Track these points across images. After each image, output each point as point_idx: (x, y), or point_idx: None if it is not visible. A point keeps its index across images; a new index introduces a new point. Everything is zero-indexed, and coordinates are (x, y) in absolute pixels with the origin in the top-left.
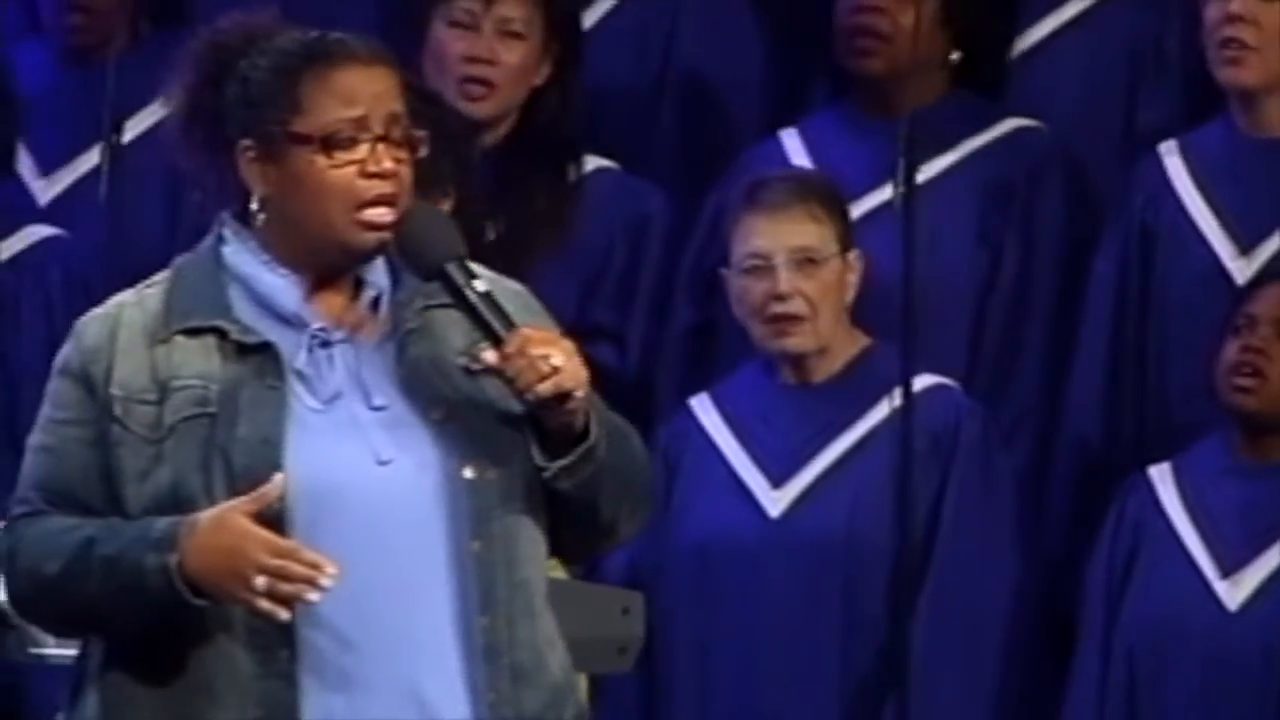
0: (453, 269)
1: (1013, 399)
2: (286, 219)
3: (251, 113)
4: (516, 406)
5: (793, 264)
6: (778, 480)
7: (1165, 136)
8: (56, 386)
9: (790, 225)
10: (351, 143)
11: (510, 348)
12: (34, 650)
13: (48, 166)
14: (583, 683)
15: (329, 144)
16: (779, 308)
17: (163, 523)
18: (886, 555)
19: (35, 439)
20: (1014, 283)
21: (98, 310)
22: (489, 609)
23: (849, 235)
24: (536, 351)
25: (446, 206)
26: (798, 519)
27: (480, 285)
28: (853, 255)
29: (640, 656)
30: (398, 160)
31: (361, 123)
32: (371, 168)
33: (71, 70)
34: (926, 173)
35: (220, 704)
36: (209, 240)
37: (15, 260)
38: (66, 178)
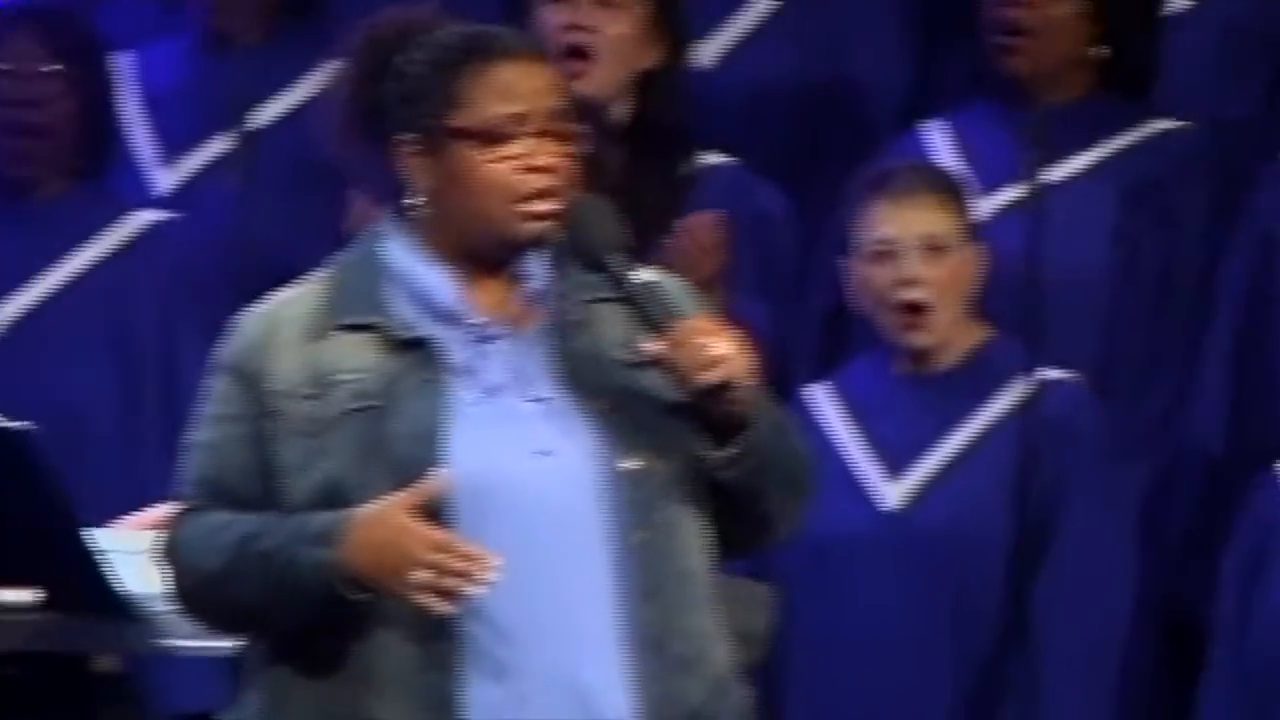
0: (615, 260)
1: (1151, 398)
2: (446, 213)
3: (411, 108)
4: (678, 397)
5: (920, 250)
6: (895, 472)
7: None
8: (215, 383)
9: (918, 213)
10: (510, 138)
11: (674, 337)
12: (164, 642)
13: (171, 154)
14: None
15: (488, 139)
16: (905, 294)
17: (323, 517)
18: (1004, 550)
19: (195, 435)
20: (1153, 283)
21: (257, 306)
22: (650, 600)
23: (972, 227)
24: (700, 341)
25: None
26: (915, 512)
27: (643, 276)
28: (977, 248)
29: None
30: (558, 155)
31: (520, 118)
32: (532, 162)
33: (202, 60)
34: (1065, 170)
35: (381, 696)
36: (368, 237)
37: (126, 247)
38: (190, 165)
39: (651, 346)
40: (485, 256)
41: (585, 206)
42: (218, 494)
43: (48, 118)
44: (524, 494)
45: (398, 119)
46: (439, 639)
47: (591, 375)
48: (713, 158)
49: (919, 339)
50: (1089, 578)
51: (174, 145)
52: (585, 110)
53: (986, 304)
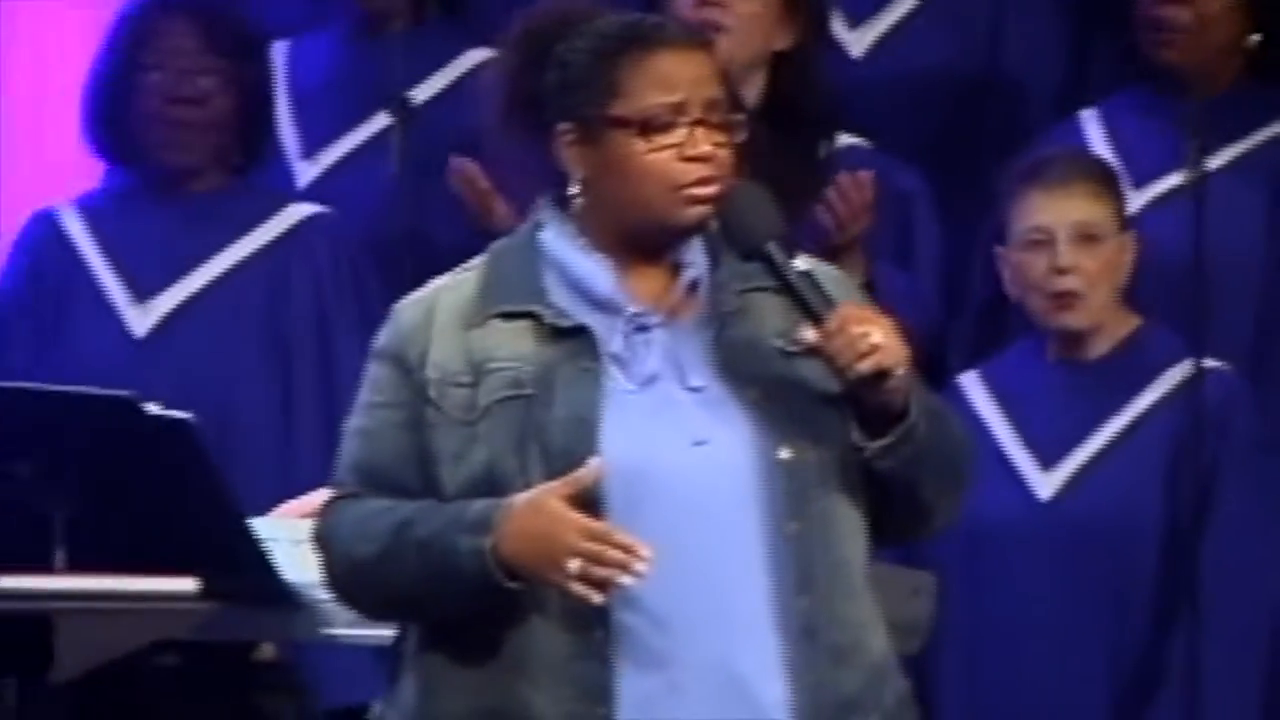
0: (773, 248)
1: None
2: (605, 202)
3: (570, 97)
4: (834, 387)
5: (1074, 239)
6: (1048, 462)
7: None
8: (373, 370)
9: (1072, 201)
10: (669, 127)
11: (830, 326)
12: (324, 630)
13: (312, 147)
14: None
15: (647, 128)
16: (1058, 282)
17: (478, 505)
18: (1158, 539)
19: (352, 422)
20: None
21: (414, 294)
22: (807, 589)
23: (1125, 216)
24: (857, 330)
25: None
26: (1069, 502)
27: (800, 264)
28: (1128, 236)
29: None
30: (717, 144)
31: (680, 107)
32: (690, 151)
33: (350, 48)
34: (1219, 160)
35: (535, 685)
36: (527, 225)
37: (282, 239)
38: (332, 157)
39: (808, 335)
40: (643, 244)
41: (742, 194)
42: (373, 481)
43: (207, 113)
44: (680, 483)
45: (557, 108)
46: (594, 628)
47: (747, 365)
48: (849, 139)
49: (1070, 319)
50: (1243, 567)
51: (322, 135)
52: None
53: (1141, 293)
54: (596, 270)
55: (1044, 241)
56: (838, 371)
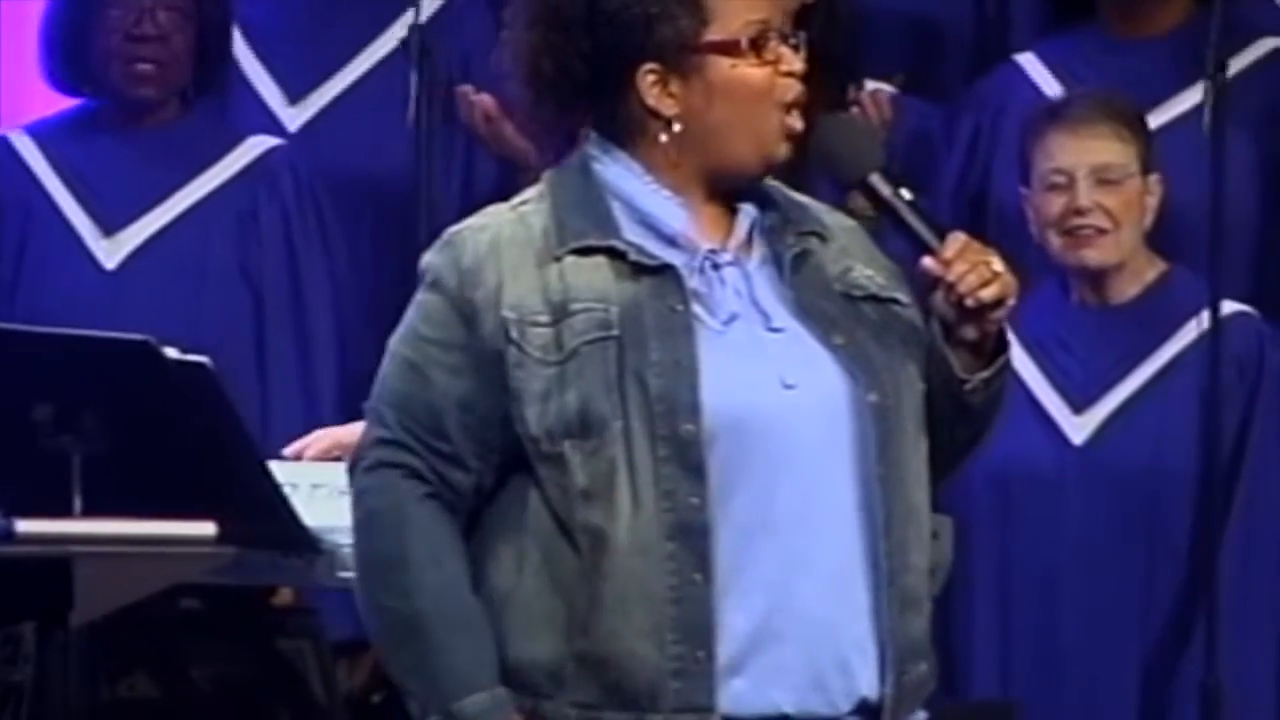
0: (878, 180)
1: None
2: (707, 133)
3: (652, 35)
4: (902, 330)
5: (1093, 180)
6: (1080, 406)
7: None
8: (427, 299)
9: (1093, 142)
10: (767, 43)
11: (950, 252)
12: (342, 575)
13: (295, 93)
14: None
15: (751, 46)
16: (1079, 222)
17: (480, 698)
18: (1191, 484)
19: (399, 346)
20: None
21: (471, 221)
22: (887, 534)
23: (1151, 157)
24: (977, 257)
25: None
26: (1101, 446)
27: (906, 194)
28: (1153, 178)
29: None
30: (800, 62)
31: (767, 24)
32: (784, 68)
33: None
34: (1188, 101)
35: (635, 628)
36: (575, 159)
37: (246, 171)
38: (319, 102)
39: (928, 262)
40: (727, 179)
41: (840, 125)
42: (412, 419)
43: (168, 50)
44: (771, 426)
45: (634, 49)
46: (693, 571)
47: (821, 308)
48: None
49: (1090, 257)
50: (1274, 510)
51: (306, 79)
52: None
53: (1162, 238)
54: (668, 206)
55: (1064, 184)
56: (957, 299)
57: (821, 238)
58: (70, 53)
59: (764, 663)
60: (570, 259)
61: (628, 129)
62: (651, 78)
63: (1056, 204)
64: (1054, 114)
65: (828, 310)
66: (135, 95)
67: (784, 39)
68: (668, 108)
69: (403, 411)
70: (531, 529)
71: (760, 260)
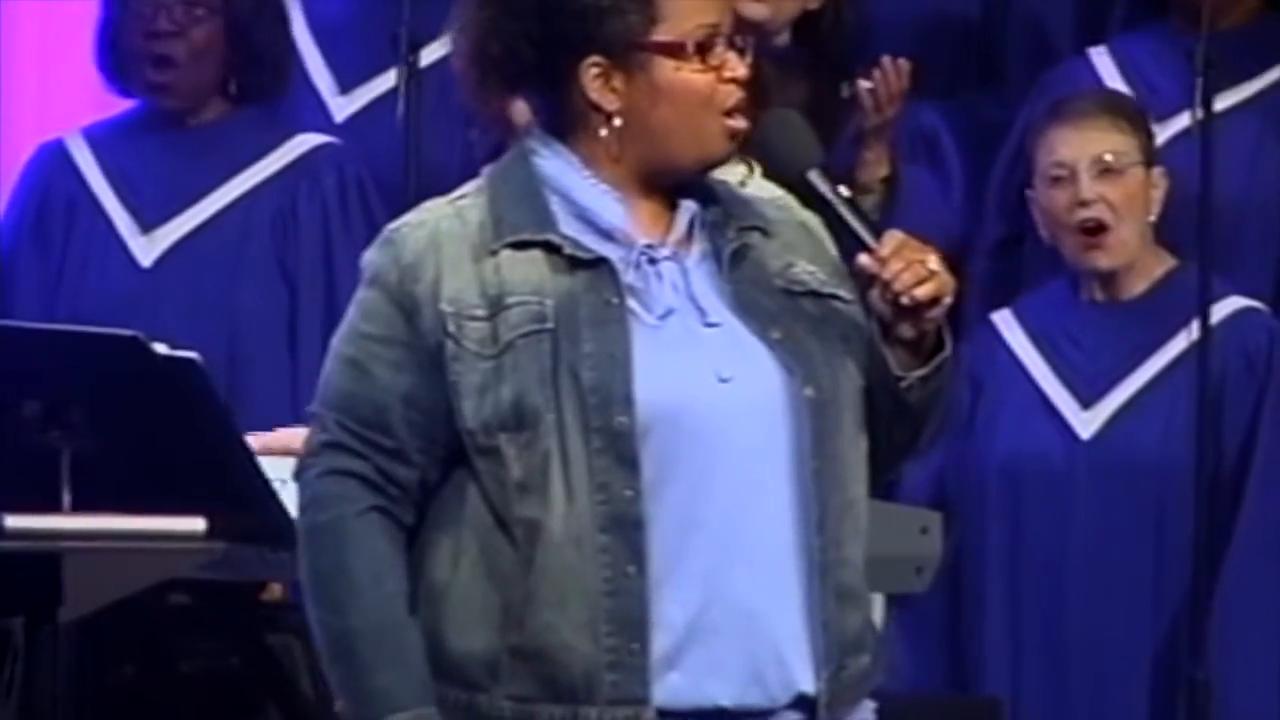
0: (816, 175)
1: None
2: (647, 131)
3: (600, 28)
4: (842, 326)
5: (1095, 171)
6: (1088, 401)
7: None
8: (368, 297)
9: (1094, 134)
10: (713, 48)
11: (886, 250)
12: None
13: (346, 84)
14: (879, 602)
15: (697, 50)
16: (1083, 214)
17: (401, 718)
18: (1198, 478)
19: (341, 345)
20: None
21: (410, 218)
22: (824, 529)
23: (1153, 151)
24: (914, 255)
25: None
26: (1109, 441)
27: (844, 190)
28: (1157, 172)
29: (948, 576)
30: (743, 67)
31: (716, 29)
32: (727, 74)
33: None
34: (1242, 94)
35: (570, 620)
36: (514, 153)
37: (289, 169)
38: (364, 96)
39: (863, 259)
40: (666, 176)
41: (783, 121)
42: (354, 418)
43: (186, 45)
44: (709, 420)
45: (583, 42)
46: (628, 563)
47: (761, 303)
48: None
49: (1100, 259)
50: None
51: (348, 76)
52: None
53: (1165, 232)
54: (606, 201)
55: (1066, 177)
56: (891, 297)
57: (765, 233)
58: (111, 53)
59: (700, 656)
60: (506, 253)
61: (569, 122)
62: (595, 71)
63: (1060, 198)
64: (1055, 111)
65: (766, 305)
66: (158, 91)
67: (732, 44)
68: (609, 103)
69: (345, 412)
70: (470, 523)
71: (700, 256)
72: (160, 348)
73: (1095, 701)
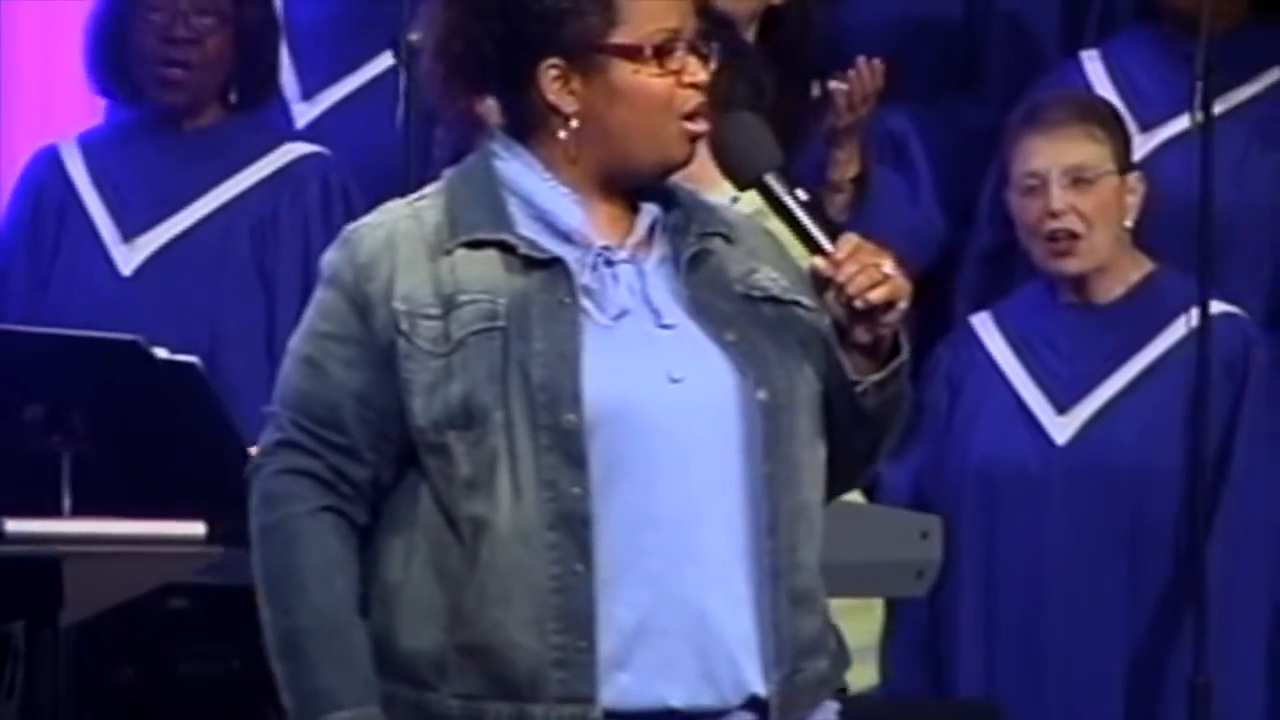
0: (773, 178)
1: None
2: (601, 134)
3: (560, 30)
4: (802, 332)
5: (1066, 181)
6: (1064, 406)
7: None
8: (325, 296)
9: (1065, 144)
10: (671, 53)
11: (841, 253)
12: None
13: (309, 90)
14: (879, 606)
15: (652, 55)
16: (1053, 224)
17: (340, 716)
18: (1176, 484)
19: (297, 344)
20: None
21: (369, 219)
22: (775, 532)
23: (1127, 157)
24: (869, 258)
25: None
26: (1085, 446)
27: (801, 194)
28: (1133, 177)
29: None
30: (704, 73)
31: (677, 33)
32: (687, 78)
33: None
34: (1230, 100)
35: (518, 618)
36: (477, 155)
37: (272, 178)
38: (332, 98)
39: (817, 262)
40: (623, 181)
41: (741, 124)
42: (310, 416)
43: (203, 53)
44: (655, 419)
45: (541, 43)
46: (576, 562)
47: (717, 306)
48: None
49: (1070, 265)
50: (1263, 511)
51: (321, 77)
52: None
53: (1151, 238)
54: (564, 203)
55: (1038, 186)
56: (845, 300)
57: (728, 239)
58: (111, 56)
59: (650, 657)
60: (461, 252)
61: (530, 123)
62: (554, 72)
63: (1032, 208)
64: (1029, 118)
65: (722, 308)
66: (170, 99)
67: (694, 49)
68: (567, 104)
69: (300, 410)
70: (422, 523)
71: (659, 259)
72: (161, 352)
73: (1071, 706)
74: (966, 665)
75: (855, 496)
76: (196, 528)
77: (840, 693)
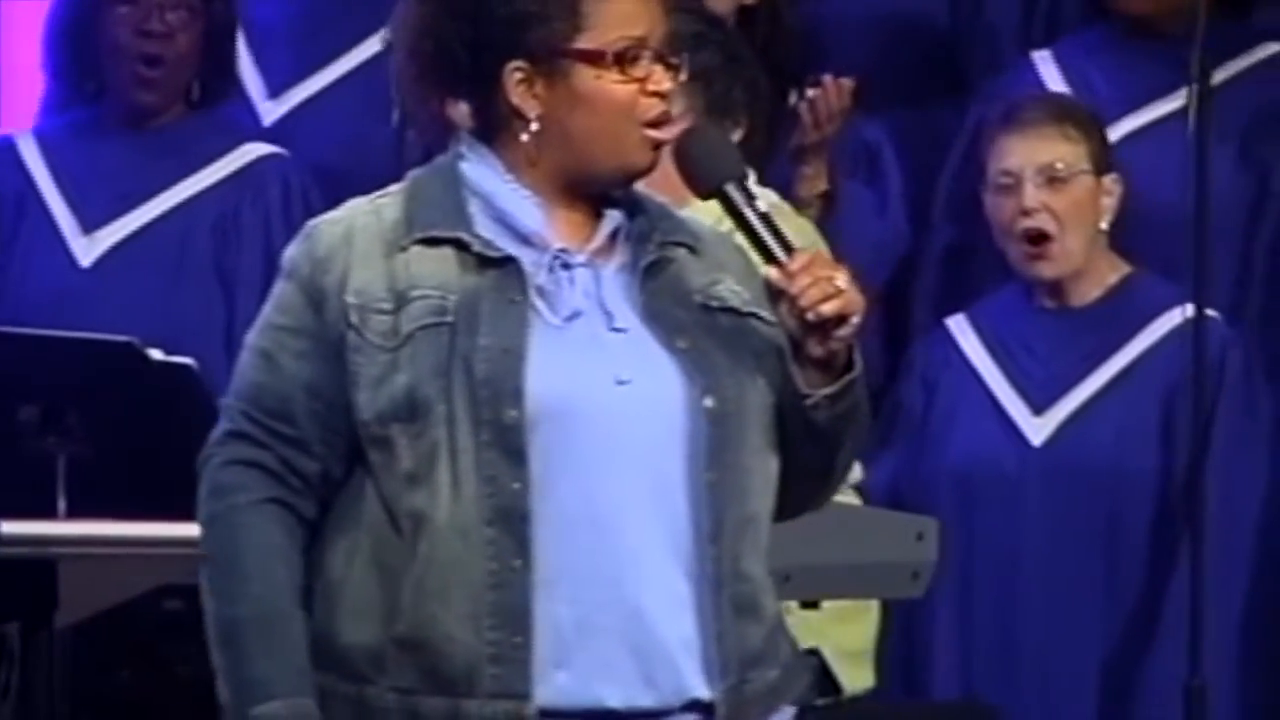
0: (733, 189)
1: None
2: (563, 139)
3: (523, 33)
4: (757, 344)
5: (1040, 180)
6: (1040, 407)
7: None
8: (282, 289)
9: (1040, 143)
10: (636, 60)
11: (794, 266)
12: None
13: (275, 89)
14: (875, 608)
15: (615, 61)
16: (1026, 223)
17: (274, 706)
18: (1151, 486)
19: (253, 337)
20: None
21: (330, 215)
22: (718, 540)
23: (1105, 158)
24: (822, 271)
25: (737, 136)
26: (1061, 447)
27: (760, 206)
28: (1109, 179)
29: None
30: (669, 82)
31: (643, 41)
32: (651, 86)
33: None
34: (1175, 102)
35: (454, 613)
36: (446, 156)
37: (233, 177)
38: (295, 98)
39: (771, 274)
40: (585, 186)
41: (702, 135)
42: (261, 408)
43: (173, 48)
44: (603, 419)
45: (506, 46)
46: (513, 558)
47: (672, 314)
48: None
49: (1045, 269)
50: (1235, 514)
51: (286, 76)
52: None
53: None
54: (524, 205)
55: (1012, 185)
56: (798, 313)
57: (692, 250)
58: (77, 49)
59: (588, 657)
60: (417, 249)
61: (495, 126)
62: (518, 75)
63: (1006, 206)
64: (1005, 117)
65: (677, 316)
66: (139, 94)
67: (660, 58)
68: (530, 108)
69: (251, 402)
70: (365, 519)
71: (618, 266)
72: (156, 354)
73: (1046, 707)
74: (942, 666)
75: (850, 498)
76: (192, 529)
77: (836, 694)
